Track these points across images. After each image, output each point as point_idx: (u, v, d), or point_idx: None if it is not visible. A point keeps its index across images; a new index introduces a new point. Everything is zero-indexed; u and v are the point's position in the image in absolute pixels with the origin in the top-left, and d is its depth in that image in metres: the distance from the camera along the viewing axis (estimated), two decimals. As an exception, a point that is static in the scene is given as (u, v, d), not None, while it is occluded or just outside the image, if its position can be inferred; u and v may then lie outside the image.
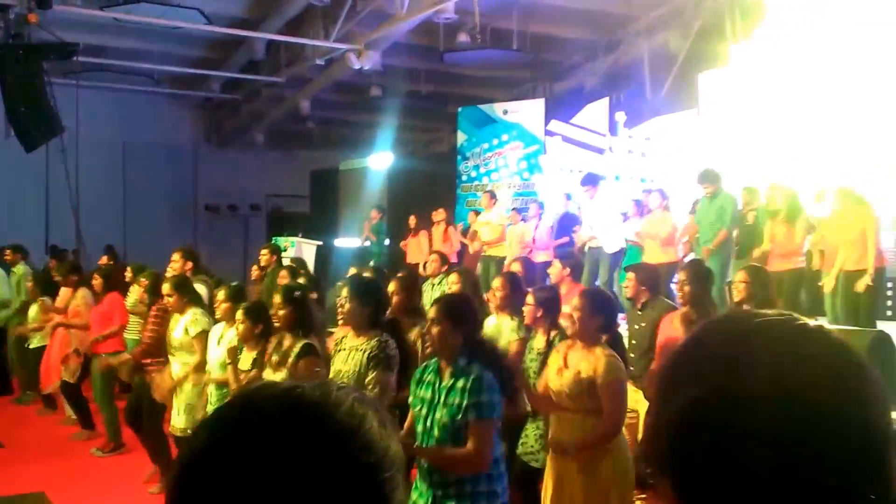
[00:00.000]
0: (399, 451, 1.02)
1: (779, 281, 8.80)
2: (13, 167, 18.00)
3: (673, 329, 5.83)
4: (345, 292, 5.10)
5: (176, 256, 9.07)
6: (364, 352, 4.83)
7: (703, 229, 10.40)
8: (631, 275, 6.80)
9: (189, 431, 6.49)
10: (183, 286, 6.95)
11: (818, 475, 0.92)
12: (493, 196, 14.06)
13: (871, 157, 11.16)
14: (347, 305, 4.99)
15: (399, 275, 7.06)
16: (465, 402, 3.95)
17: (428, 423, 4.10)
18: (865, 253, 8.64)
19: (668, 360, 1.08)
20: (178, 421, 6.76)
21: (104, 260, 12.20)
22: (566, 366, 4.74)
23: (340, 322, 5.34)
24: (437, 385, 4.11)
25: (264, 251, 11.19)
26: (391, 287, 6.30)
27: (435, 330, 4.16)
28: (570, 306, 5.03)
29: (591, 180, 12.21)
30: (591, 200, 12.03)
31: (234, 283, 6.97)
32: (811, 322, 1.04)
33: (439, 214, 14.06)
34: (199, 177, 22.43)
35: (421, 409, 4.16)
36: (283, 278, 8.76)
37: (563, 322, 5.85)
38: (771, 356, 0.97)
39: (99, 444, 9.13)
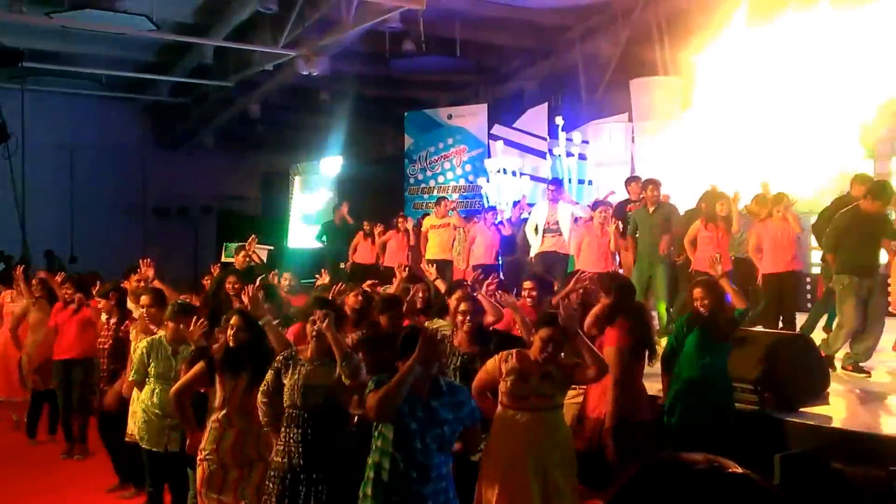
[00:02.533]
0: None
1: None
2: None
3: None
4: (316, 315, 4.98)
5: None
6: (328, 366, 4.87)
7: (642, 239, 10.42)
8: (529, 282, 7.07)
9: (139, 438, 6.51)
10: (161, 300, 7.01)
11: None
12: (444, 202, 13.88)
13: (795, 163, 11.80)
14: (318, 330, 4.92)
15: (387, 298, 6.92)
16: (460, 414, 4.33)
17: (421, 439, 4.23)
18: (793, 257, 9.17)
19: (618, 491, 1.24)
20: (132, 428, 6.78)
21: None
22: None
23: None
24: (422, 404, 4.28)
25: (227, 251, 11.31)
26: (350, 299, 6.46)
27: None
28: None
29: (559, 186, 12.28)
30: (553, 205, 11.89)
31: (178, 302, 6.99)
32: (737, 471, 1.20)
33: (407, 222, 13.83)
34: (148, 179, 22.29)
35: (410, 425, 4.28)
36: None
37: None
38: None
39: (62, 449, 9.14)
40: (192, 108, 20.77)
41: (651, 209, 10.37)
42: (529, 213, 12.44)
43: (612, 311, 5.91)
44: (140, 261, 9.07)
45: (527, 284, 6.95)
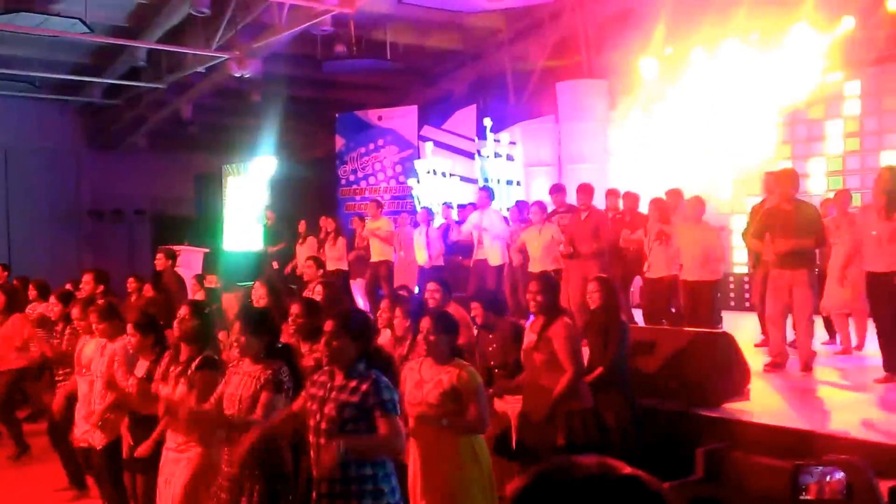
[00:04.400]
0: None
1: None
2: None
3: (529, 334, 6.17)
4: (237, 326, 5.19)
5: (87, 278, 9.26)
6: (257, 379, 4.98)
7: (580, 243, 10.41)
8: (475, 303, 7.22)
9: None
10: (114, 314, 6.94)
11: None
12: (379, 204, 14.12)
13: (718, 168, 12.34)
14: (242, 339, 5.09)
15: (304, 297, 7.26)
16: (364, 402, 4.24)
17: (318, 418, 4.35)
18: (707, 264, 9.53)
19: (515, 494, 1.29)
20: (79, 432, 6.97)
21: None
22: (424, 380, 5.10)
23: (236, 354, 5.32)
24: (329, 384, 4.39)
25: (159, 255, 11.36)
26: (294, 310, 6.50)
27: (334, 343, 4.38)
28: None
29: (489, 196, 12.58)
30: (484, 212, 12.25)
31: (102, 303, 7.14)
32: (625, 472, 1.26)
33: (329, 224, 13.93)
34: (82, 182, 22.15)
35: (312, 406, 4.41)
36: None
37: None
38: None
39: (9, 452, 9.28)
40: (125, 110, 20.65)
41: (582, 216, 10.51)
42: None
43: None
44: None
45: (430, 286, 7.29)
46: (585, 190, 10.54)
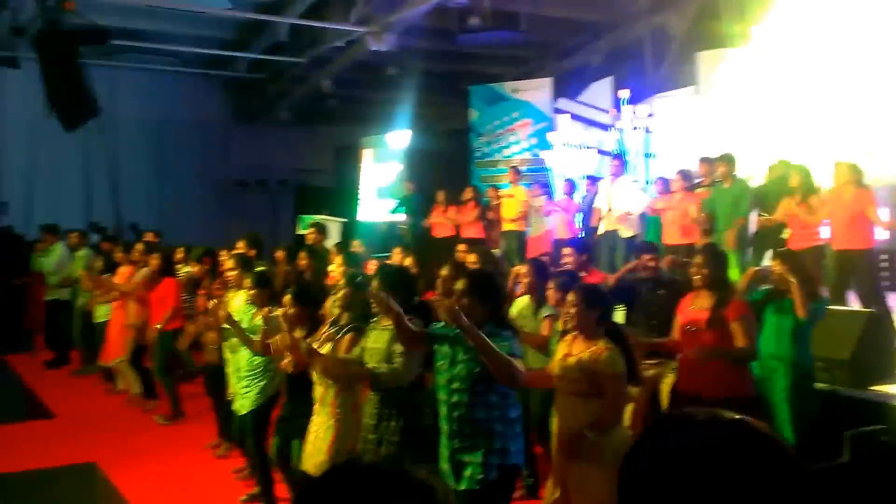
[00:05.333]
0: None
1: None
2: (53, 148, 18.79)
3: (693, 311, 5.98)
4: (375, 283, 5.34)
5: (241, 244, 9.60)
6: (390, 330, 5.09)
7: (719, 217, 10.38)
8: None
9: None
10: (265, 283, 7.19)
11: None
12: (517, 172, 14.44)
13: (870, 136, 11.73)
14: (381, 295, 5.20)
15: (453, 260, 7.53)
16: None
17: (448, 379, 4.59)
18: (861, 232, 8.93)
19: (628, 450, 1.39)
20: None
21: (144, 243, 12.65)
22: (571, 353, 5.02)
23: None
24: (456, 344, 4.58)
25: (311, 230, 11.76)
26: (443, 272, 6.77)
27: (463, 301, 4.53)
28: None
29: (622, 165, 12.54)
30: (614, 181, 12.22)
31: (259, 269, 7.53)
32: (733, 417, 1.33)
33: (467, 193, 14.50)
34: (228, 153, 22.88)
35: (443, 364, 4.65)
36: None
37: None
38: (703, 453, 1.28)
39: (161, 412, 9.80)
40: (268, 84, 21.36)
41: (726, 186, 10.35)
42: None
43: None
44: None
45: (521, 270, 7.27)
46: (728, 160, 10.41)
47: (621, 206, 11.91)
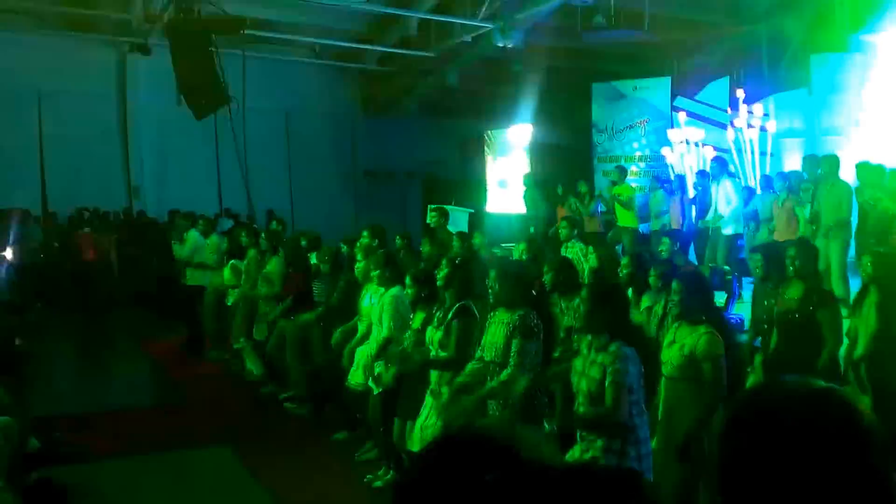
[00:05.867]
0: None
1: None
2: (186, 136, 18.98)
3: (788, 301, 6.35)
4: (492, 275, 5.59)
5: (366, 234, 9.83)
6: (507, 324, 5.32)
7: (825, 214, 10.46)
8: (758, 256, 7.31)
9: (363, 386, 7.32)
10: (391, 263, 7.48)
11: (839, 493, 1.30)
12: (622, 171, 14.84)
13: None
14: (496, 287, 5.49)
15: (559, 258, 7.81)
16: (605, 371, 4.56)
17: (576, 392, 4.79)
18: None
19: (723, 419, 1.46)
20: (355, 376, 7.55)
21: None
22: (675, 340, 5.25)
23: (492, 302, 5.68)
24: (585, 357, 4.76)
25: (433, 213, 12.28)
26: (547, 268, 6.97)
27: (583, 308, 4.77)
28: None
29: (721, 166, 12.87)
30: (718, 186, 12.55)
31: (380, 251, 7.92)
32: (821, 385, 1.41)
33: (583, 186, 15.01)
34: (357, 144, 23.38)
35: (574, 378, 4.83)
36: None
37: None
38: (793, 418, 1.36)
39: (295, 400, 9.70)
40: (397, 77, 21.89)
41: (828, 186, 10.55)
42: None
43: None
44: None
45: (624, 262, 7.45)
46: (831, 161, 10.63)
47: (722, 205, 12.29)
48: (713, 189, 12.57)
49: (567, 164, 18.80)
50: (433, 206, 13.21)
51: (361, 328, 7.74)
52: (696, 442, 4.98)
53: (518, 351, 5.26)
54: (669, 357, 5.21)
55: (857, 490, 1.30)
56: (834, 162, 10.54)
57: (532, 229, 14.97)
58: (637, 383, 4.65)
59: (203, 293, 12.80)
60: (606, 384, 4.51)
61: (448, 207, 15.06)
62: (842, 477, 1.30)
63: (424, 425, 5.86)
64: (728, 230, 12.22)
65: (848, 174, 11.07)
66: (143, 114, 20.66)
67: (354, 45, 20.41)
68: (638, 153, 18.05)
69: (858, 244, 10.12)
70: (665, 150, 16.50)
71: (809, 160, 11.85)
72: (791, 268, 6.37)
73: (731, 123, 15.52)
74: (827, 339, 6.09)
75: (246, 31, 16.07)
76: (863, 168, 10.67)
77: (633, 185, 14.99)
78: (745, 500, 1.36)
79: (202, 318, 12.64)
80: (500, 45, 16.29)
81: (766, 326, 6.80)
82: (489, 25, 16.21)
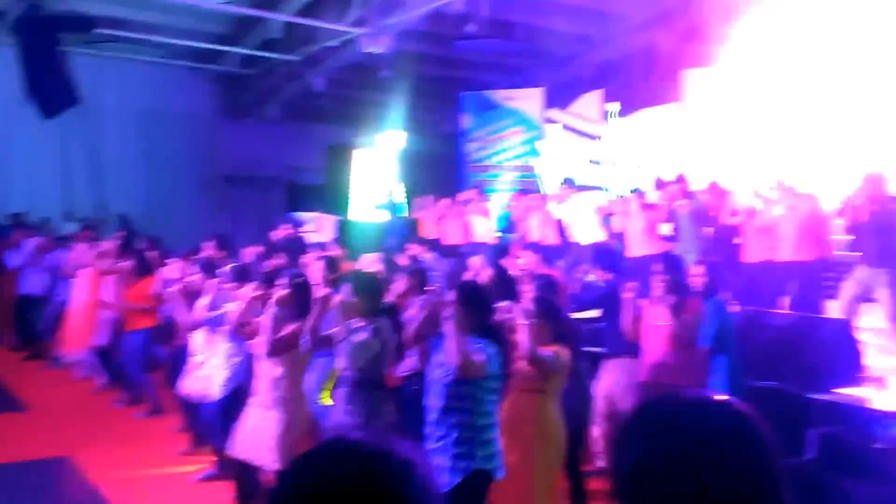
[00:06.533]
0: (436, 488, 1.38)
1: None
2: (31, 134, 18.26)
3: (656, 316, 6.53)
4: (347, 288, 5.74)
5: (210, 245, 9.91)
6: (361, 334, 5.55)
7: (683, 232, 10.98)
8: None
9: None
10: (244, 276, 7.49)
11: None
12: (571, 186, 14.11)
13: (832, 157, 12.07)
14: (351, 299, 5.65)
15: (408, 269, 7.79)
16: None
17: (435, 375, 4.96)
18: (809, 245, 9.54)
19: (620, 425, 1.52)
20: (189, 385, 7.62)
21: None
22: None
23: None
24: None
25: (285, 224, 12.22)
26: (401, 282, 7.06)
27: (450, 312, 4.83)
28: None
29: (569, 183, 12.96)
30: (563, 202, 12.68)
31: (237, 265, 7.86)
32: (719, 398, 1.48)
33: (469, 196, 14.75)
34: (218, 148, 22.71)
35: (434, 371, 5.00)
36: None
37: None
38: (690, 429, 1.40)
39: (141, 408, 9.79)
40: (260, 81, 21.30)
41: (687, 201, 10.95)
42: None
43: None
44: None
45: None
46: (686, 179, 11.20)
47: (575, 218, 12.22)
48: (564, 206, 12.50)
49: (438, 172, 18.52)
50: (285, 217, 12.88)
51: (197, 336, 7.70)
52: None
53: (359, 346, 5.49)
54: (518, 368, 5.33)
55: (753, 495, 1.36)
56: (685, 181, 11.21)
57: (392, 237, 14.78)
58: (495, 383, 4.93)
59: (37, 302, 12.78)
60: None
61: (312, 214, 14.75)
62: (739, 484, 1.35)
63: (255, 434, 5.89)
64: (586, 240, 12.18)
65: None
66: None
67: (215, 47, 19.69)
68: (508, 164, 17.82)
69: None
70: (536, 162, 16.33)
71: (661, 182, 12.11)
72: (660, 282, 6.49)
73: (602, 136, 15.44)
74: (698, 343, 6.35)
75: (101, 31, 15.41)
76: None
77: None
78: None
79: (43, 324, 12.56)
80: (369, 51, 15.81)
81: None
82: (357, 31, 15.72)
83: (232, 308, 6.81)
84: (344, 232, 16.01)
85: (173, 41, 19.14)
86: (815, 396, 6.76)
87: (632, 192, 12.60)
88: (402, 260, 9.97)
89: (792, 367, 7.09)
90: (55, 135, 18.52)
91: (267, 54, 19.20)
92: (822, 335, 7.36)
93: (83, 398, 10.51)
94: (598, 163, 14.99)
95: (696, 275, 6.81)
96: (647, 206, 11.50)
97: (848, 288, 8.55)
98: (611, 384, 6.94)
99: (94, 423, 9.31)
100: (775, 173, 10.90)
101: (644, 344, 6.60)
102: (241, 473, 6.15)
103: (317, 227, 14.81)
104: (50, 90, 13.57)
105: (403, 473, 1.32)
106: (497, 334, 5.06)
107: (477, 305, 4.94)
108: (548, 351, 5.24)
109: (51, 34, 13.45)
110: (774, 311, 9.10)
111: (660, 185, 12.08)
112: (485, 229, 13.88)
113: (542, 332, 5.27)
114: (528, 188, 15.04)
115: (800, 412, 6.61)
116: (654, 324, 6.45)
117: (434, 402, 4.87)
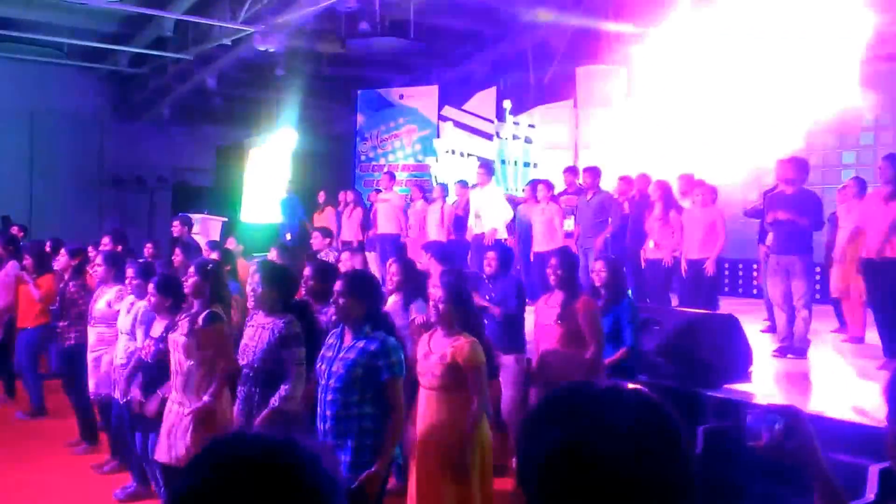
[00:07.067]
0: (340, 480, 1.35)
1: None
2: None
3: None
4: (256, 277, 5.46)
5: (106, 240, 9.64)
6: (270, 330, 5.25)
7: (585, 228, 11.09)
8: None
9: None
10: (115, 261, 7.64)
11: (647, 491, 1.32)
12: (392, 177, 14.52)
13: (728, 151, 12.36)
14: (259, 290, 5.37)
15: (314, 262, 7.47)
16: (374, 363, 4.53)
17: (326, 377, 4.64)
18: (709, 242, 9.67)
19: (527, 415, 1.47)
20: (93, 386, 7.47)
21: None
22: (431, 350, 5.18)
23: (251, 306, 5.64)
24: (338, 345, 4.69)
25: (175, 223, 11.82)
26: (306, 272, 6.71)
27: (341, 301, 4.67)
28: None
29: (487, 169, 12.81)
30: (482, 189, 12.45)
31: (142, 260, 7.72)
32: (631, 386, 1.43)
33: (347, 196, 14.56)
34: (106, 149, 22.20)
35: (322, 366, 4.72)
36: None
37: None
38: (600, 416, 1.36)
39: (22, 408, 9.59)
40: (150, 80, 20.82)
41: (588, 197, 11.01)
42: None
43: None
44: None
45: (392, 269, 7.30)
46: (592, 172, 11.10)
47: (488, 213, 12.18)
48: (476, 197, 12.45)
49: (330, 172, 18.45)
50: (177, 216, 12.70)
51: (92, 333, 7.55)
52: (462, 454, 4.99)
53: (292, 360, 5.23)
54: (427, 367, 5.13)
55: (667, 483, 1.34)
56: (596, 173, 11.04)
57: (288, 237, 14.70)
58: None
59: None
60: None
61: (198, 215, 14.59)
62: (653, 471, 1.33)
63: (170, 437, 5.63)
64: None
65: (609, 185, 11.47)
66: None
67: (104, 46, 19.21)
68: (403, 163, 17.83)
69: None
70: (430, 160, 16.38)
71: (569, 171, 12.33)
72: (553, 277, 6.38)
73: (497, 134, 15.55)
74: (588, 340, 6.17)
75: None
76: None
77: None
78: (549, 494, 1.36)
79: None
80: (261, 48, 15.65)
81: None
82: (249, 28, 15.53)
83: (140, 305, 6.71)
84: (233, 233, 15.54)
85: (61, 40, 18.68)
86: (708, 393, 6.79)
87: (531, 184, 12.68)
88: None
89: (684, 364, 7.14)
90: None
91: (158, 53, 18.80)
92: (713, 331, 7.44)
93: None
94: (490, 161, 15.07)
95: (597, 271, 6.86)
96: (553, 199, 11.59)
97: (773, 281, 8.66)
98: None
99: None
100: (682, 167, 11.17)
101: (536, 341, 6.57)
102: (168, 479, 5.81)
103: (202, 228, 14.53)
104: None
105: (309, 464, 1.29)
106: (387, 325, 4.91)
107: (367, 295, 4.77)
108: (468, 346, 5.05)
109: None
110: (666, 308, 9.25)
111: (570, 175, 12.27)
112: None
113: (451, 318, 5.15)
114: (420, 187, 14.96)
115: (692, 409, 6.62)
116: (544, 322, 6.39)
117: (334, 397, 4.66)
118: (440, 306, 5.16)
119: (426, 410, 5.16)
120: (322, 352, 4.82)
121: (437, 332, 5.26)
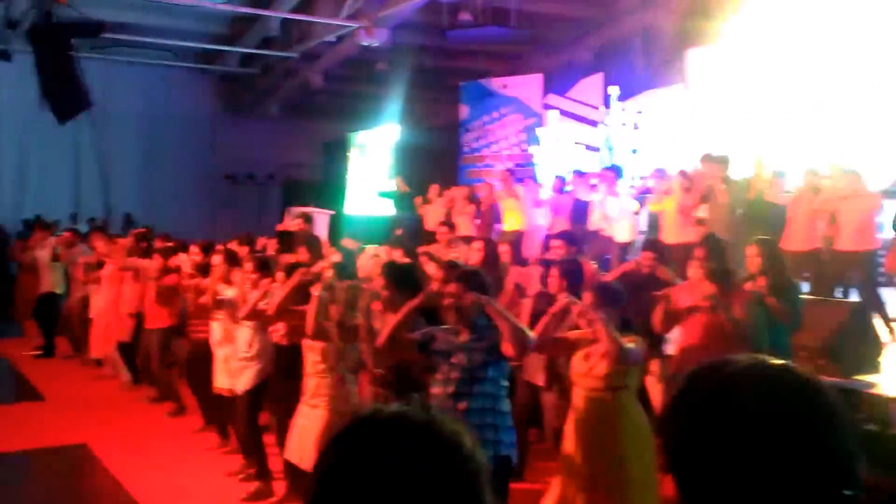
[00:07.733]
0: (484, 459, 1.26)
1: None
2: (44, 140, 19.14)
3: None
4: (382, 281, 5.48)
5: (233, 243, 9.64)
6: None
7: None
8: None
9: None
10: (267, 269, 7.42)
11: (792, 485, 1.21)
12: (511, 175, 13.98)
13: (858, 134, 11.75)
14: (386, 293, 5.37)
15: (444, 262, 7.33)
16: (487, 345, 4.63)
17: (446, 370, 4.70)
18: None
19: (671, 399, 1.38)
20: (220, 381, 7.41)
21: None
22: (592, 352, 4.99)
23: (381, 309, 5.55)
24: (454, 342, 4.73)
25: (297, 220, 12.04)
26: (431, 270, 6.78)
27: (461, 300, 4.68)
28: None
29: (615, 171, 12.46)
30: (609, 194, 12.02)
31: (259, 255, 7.86)
32: (777, 363, 1.31)
33: (461, 191, 14.12)
34: (218, 147, 22.86)
35: (438, 360, 4.76)
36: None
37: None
38: (747, 397, 1.26)
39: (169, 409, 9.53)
40: (258, 79, 21.32)
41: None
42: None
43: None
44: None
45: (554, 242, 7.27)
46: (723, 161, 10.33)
47: (618, 217, 11.80)
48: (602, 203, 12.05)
49: (434, 165, 18.39)
50: (298, 213, 12.83)
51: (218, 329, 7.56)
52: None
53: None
54: (590, 370, 4.89)
55: (814, 470, 1.22)
56: (725, 162, 10.28)
57: (401, 231, 14.57)
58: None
59: (59, 298, 13.07)
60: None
61: (308, 210, 14.70)
62: (799, 457, 1.21)
63: (301, 437, 5.58)
64: (622, 237, 11.60)
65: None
66: (3, 120, 20.03)
67: (214, 47, 19.75)
68: (506, 153, 17.68)
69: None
70: (535, 149, 16.19)
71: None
72: (701, 269, 6.18)
73: (604, 121, 15.27)
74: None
75: (106, 36, 15.49)
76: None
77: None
78: (700, 483, 1.27)
79: (63, 322, 12.79)
80: (364, 44, 15.75)
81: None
82: (353, 25, 15.65)
83: (253, 296, 6.66)
84: (340, 227, 15.77)
85: (175, 43, 19.26)
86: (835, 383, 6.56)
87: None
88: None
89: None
90: (67, 140, 19.33)
91: (265, 52, 19.20)
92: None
93: (98, 390, 10.59)
94: (596, 149, 14.80)
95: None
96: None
97: None
98: None
99: (111, 414, 9.34)
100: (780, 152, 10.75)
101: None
102: (294, 479, 5.87)
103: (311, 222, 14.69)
104: (63, 95, 13.58)
105: (452, 444, 1.24)
106: (435, 316, 4.88)
107: (408, 286, 4.89)
108: (631, 343, 4.79)
109: (63, 40, 13.53)
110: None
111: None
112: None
113: (610, 320, 4.83)
114: (525, 177, 14.75)
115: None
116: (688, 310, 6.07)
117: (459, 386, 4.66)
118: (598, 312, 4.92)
119: (590, 411, 4.98)
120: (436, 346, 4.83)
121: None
